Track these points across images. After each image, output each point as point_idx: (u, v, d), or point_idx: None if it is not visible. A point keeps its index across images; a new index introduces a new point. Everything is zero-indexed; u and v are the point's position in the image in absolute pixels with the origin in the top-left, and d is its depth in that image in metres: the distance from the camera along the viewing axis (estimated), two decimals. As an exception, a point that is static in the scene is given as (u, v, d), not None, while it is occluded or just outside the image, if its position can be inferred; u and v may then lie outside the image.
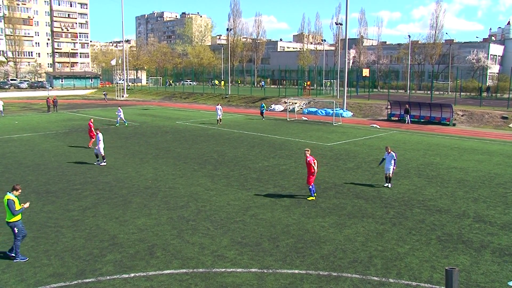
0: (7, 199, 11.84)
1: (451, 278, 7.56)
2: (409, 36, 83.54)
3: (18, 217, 11.97)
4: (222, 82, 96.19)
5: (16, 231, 11.88)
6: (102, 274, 10.97)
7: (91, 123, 29.26)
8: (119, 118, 40.85)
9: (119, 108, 42.52)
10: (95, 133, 28.31)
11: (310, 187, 17.42)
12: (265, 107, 48.25)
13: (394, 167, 19.32)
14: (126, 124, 40.63)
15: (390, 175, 19.33)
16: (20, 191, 12.16)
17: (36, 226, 14.22)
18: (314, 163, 17.20)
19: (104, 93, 78.74)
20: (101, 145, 23.56)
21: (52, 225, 14.35)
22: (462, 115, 45.43)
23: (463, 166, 23.84)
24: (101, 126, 36.59)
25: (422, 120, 44.88)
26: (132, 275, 10.93)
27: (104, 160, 23.79)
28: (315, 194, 17.68)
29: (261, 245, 12.83)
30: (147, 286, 10.36)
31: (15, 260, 11.81)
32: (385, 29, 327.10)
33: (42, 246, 12.61)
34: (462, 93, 69.99)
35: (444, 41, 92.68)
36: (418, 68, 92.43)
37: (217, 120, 42.60)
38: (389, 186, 19.32)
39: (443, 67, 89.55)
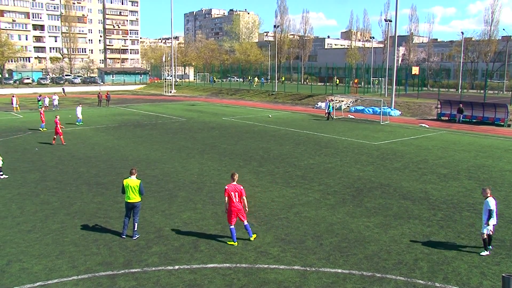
0: (140, 182, 12.89)
1: (508, 285, 7.29)
2: (462, 33, 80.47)
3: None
4: (255, 79, 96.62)
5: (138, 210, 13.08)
6: (148, 265, 11.26)
7: (57, 120, 28.44)
8: (78, 117, 37.87)
9: (79, 104, 40.87)
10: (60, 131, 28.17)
11: (232, 226, 12.65)
12: (330, 107, 43.85)
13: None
14: (78, 123, 37.57)
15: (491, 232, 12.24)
16: (136, 174, 13.10)
17: (87, 216, 14.77)
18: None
19: (62, 88, 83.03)
20: None
21: (102, 215, 14.86)
22: (518, 116, 43.40)
23: (518, 169, 22.79)
24: (150, 121, 37.23)
25: (474, 120, 43.21)
26: (177, 267, 11.16)
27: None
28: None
29: (304, 243, 12.79)
30: (191, 278, 10.56)
31: (134, 237, 12.83)
32: (437, 25, 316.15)
33: (92, 236, 13.08)
34: (519, 93, 66.88)
35: (500, 38, 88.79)
36: (471, 66, 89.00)
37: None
38: (488, 252, 12.19)
39: (498, 65, 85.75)
